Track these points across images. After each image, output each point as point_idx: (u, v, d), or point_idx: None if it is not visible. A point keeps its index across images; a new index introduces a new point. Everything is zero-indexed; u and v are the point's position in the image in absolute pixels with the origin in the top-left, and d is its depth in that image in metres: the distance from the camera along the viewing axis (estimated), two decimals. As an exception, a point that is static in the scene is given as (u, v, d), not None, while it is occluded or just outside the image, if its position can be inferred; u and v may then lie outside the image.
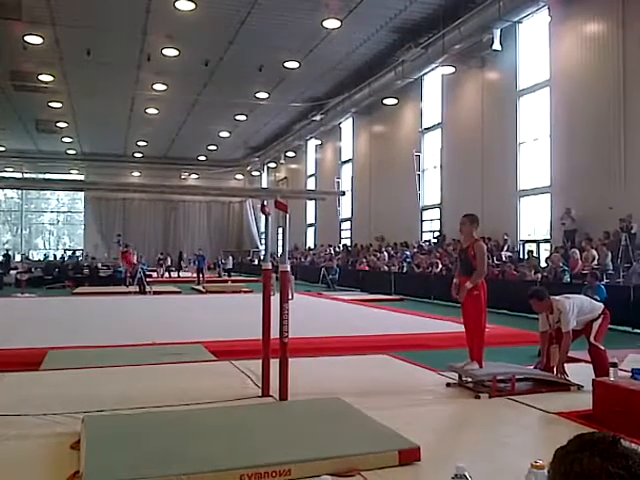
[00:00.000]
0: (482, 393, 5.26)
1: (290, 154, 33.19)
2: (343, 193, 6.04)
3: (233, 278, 26.69)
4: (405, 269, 18.87)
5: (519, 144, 16.66)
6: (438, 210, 20.50)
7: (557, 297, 5.73)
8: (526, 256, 15.59)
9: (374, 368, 6.58)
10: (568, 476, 1.32)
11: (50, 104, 24.72)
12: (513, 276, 14.00)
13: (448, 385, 5.69)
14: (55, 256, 36.44)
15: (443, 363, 6.73)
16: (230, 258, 31.74)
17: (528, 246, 16.41)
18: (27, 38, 17.44)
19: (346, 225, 28.08)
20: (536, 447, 4.10)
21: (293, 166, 35.00)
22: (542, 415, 4.68)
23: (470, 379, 5.58)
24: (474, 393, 5.32)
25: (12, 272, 24.39)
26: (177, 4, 15.25)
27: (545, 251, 15.77)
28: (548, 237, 15.74)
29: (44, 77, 21.14)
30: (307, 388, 5.19)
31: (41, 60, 19.40)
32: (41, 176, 36.82)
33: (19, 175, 36.39)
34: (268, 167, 38.29)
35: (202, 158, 37.02)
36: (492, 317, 11.86)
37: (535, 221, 16.66)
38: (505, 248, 16.13)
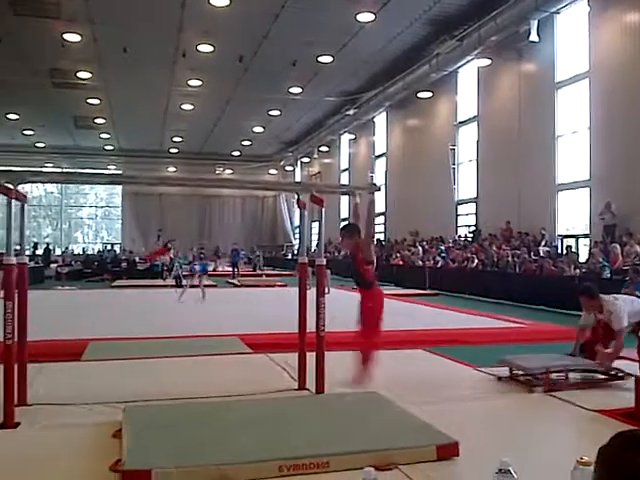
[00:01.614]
0: (535, 387, 5.22)
1: (323, 149, 33.17)
2: (378, 188, 5.97)
3: (267, 272, 26.84)
4: (440, 264, 18.73)
5: (557, 137, 16.34)
6: (474, 204, 20.26)
7: (605, 296, 5.65)
8: (564, 251, 15.31)
9: (410, 362, 6.57)
10: (616, 474, 1.30)
11: (88, 100, 25.17)
12: (551, 272, 13.76)
13: (499, 379, 5.63)
14: (94, 250, 37.21)
15: (479, 359, 6.68)
16: (258, 252, 31.92)
17: (566, 241, 16.11)
18: (66, 36, 17.78)
19: (380, 219, 27.97)
20: (577, 444, 4.04)
21: (326, 161, 34.98)
22: (582, 412, 4.60)
23: (522, 372, 5.51)
24: (526, 387, 5.28)
25: (53, 265, 25.00)
26: (212, 0, 15.36)
27: (584, 246, 15.46)
28: (587, 232, 15.43)
29: (82, 74, 21.53)
30: (343, 382, 5.20)
31: (79, 57, 19.75)
32: (79, 171, 37.67)
33: (59, 170, 37.26)
34: (301, 162, 38.33)
35: (236, 153, 37.28)
36: (530, 313, 11.74)
37: (574, 216, 16.33)
38: (543, 243, 15.87)
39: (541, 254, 15.26)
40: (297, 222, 38.44)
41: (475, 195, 20.05)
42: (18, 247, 4.96)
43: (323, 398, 4.84)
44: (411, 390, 5.24)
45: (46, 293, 14.77)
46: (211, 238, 38.98)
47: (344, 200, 30.91)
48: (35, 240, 35.07)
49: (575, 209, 16.07)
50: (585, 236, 15.58)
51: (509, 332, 8.87)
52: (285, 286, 18.81)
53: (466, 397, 5.14)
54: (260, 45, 18.79)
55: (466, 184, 20.73)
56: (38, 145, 34.73)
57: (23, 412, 4.32)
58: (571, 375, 5.49)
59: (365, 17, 16.60)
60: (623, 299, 5.72)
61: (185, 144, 34.61)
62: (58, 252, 35.13)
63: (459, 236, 20.67)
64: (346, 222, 5.57)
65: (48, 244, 34.85)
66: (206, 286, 14.76)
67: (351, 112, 25.80)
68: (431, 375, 5.96)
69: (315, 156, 33.98)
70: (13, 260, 4.34)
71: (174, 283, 18.83)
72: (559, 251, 15.65)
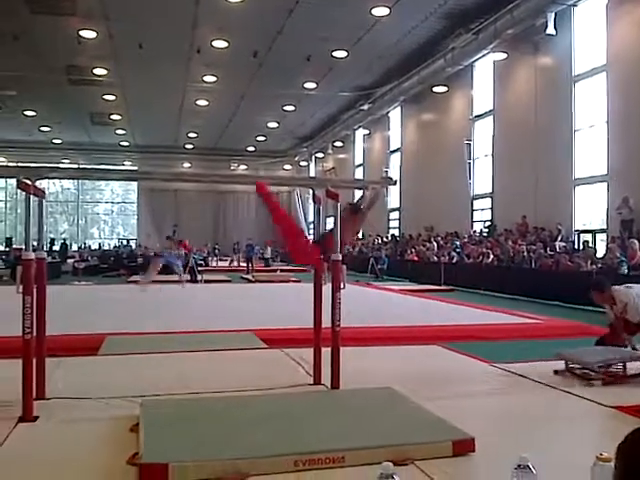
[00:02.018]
0: (593, 380, 5.22)
1: (338, 144, 33.13)
2: (395, 182, 5.97)
3: (281, 267, 26.88)
4: (455, 259, 18.65)
5: (574, 131, 16.18)
6: (489, 199, 20.14)
7: (617, 287, 5.57)
8: (581, 246, 15.17)
9: (425, 358, 6.55)
10: (634, 470, 1.30)
11: (104, 97, 25.35)
12: (568, 267, 13.65)
13: (556, 372, 5.59)
14: (110, 245, 37.52)
15: (495, 354, 6.66)
16: (268, 248, 31.89)
17: (583, 236, 15.97)
18: (82, 33, 17.91)
19: (394, 215, 27.91)
20: (595, 440, 4.01)
21: (341, 156, 34.93)
22: (599, 408, 4.56)
23: (579, 366, 5.48)
24: (583, 380, 5.28)
25: (69, 261, 25.22)
26: (227, -4, 15.39)
27: (601, 241, 15.31)
28: (604, 227, 15.28)
29: (98, 71, 21.69)
30: (358, 377, 5.20)
31: (95, 54, 19.89)
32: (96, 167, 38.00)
33: (75, 166, 37.58)
34: (316, 157, 38.34)
35: (251, 149, 37.36)
36: (546, 309, 11.66)
37: (591, 210, 16.17)
38: (559, 238, 15.74)
39: (557, 249, 15.14)
40: (311, 217, 38.47)
41: (491, 190, 19.93)
42: (36, 242, 5.01)
43: (338, 393, 4.84)
44: (426, 386, 5.22)
45: (63, 288, 14.91)
46: (226, 234, 39.23)
47: (359, 195, 30.92)
48: (52, 236, 35.42)
49: (592, 204, 15.91)
50: (602, 231, 15.42)
51: (525, 328, 8.81)
52: (299, 282, 18.82)
53: (482, 393, 5.12)
54: (274, 40, 18.79)
55: (482, 179, 20.61)
56: (55, 141, 35.05)
57: (41, 406, 4.37)
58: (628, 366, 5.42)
59: (380, 11, 16.53)
60: (636, 287, 5.62)
61: (200, 140, 34.74)
62: (75, 248, 35.46)
63: (474, 231, 20.56)
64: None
65: (65, 240, 35.21)
66: (218, 281, 14.80)
67: (365, 107, 25.74)
68: (446, 371, 5.94)
69: (329, 151, 33.98)
70: (32, 255, 4.38)
71: (189, 278, 18.96)
72: (576, 246, 15.52)
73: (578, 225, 16.30)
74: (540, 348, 7.02)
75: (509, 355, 6.69)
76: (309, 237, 5.52)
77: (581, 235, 16.08)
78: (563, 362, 5.65)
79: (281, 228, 5.39)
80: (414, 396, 4.44)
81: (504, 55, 17.97)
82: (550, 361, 5.95)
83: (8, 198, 39.60)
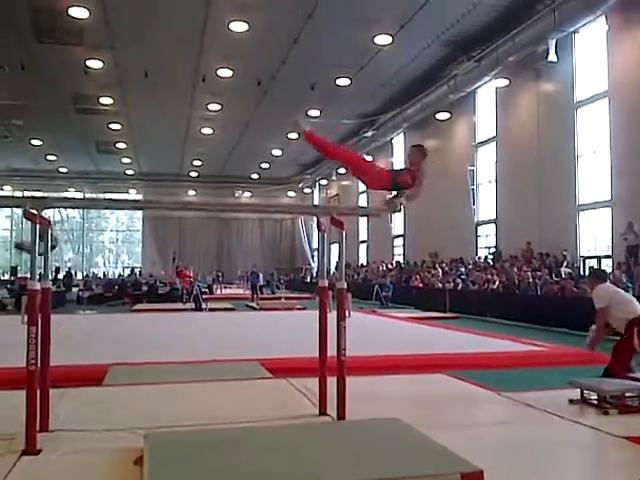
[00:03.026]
0: (609, 409, 5.17)
1: (341, 170, 33.19)
2: (400, 209, 5.93)
3: (286, 295, 26.81)
4: (460, 286, 18.56)
5: (577, 157, 16.23)
6: (494, 225, 20.12)
7: (602, 284, 6.36)
8: (587, 272, 15.10)
9: (431, 387, 6.47)
10: None
11: (110, 126, 25.61)
12: (574, 293, 13.57)
13: (571, 401, 5.53)
14: (114, 273, 37.55)
15: (501, 383, 6.58)
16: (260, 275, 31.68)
17: (589, 262, 15.90)
18: (88, 62, 18.17)
19: (399, 241, 27.89)
20: (608, 472, 3.93)
21: (345, 183, 35.05)
22: (613, 439, 4.48)
23: (596, 395, 5.43)
24: (599, 410, 5.23)
25: (74, 289, 25.22)
26: (231, 25, 15.61)
27: (607, 267, 15.23)
28: (609, 253, 15.22)
29: (104, 100, 21.94)
30: (364, 407, 5.13)
31: (101, 83, 20.14)
32: (101, 196, 38.25)
33: (80, 195, 37.87)
34: (320, 184, 38.49)
35: (255, 176, 37.56)
36: (551, 336, 11.55)
37: (596, 236, 16.13)
38: (564, 264, 15.68)
39: (563, 275, 15.08)
40: (316, 244, 38.50)
41: (495, 216, 19.92)
42: (41, 272, 5.00)
43: (344, 424, 4.77)
44: (433, 415, 5.16)
45: (67, 317, 14.87)
46: (230, 261, 39.27)
47: (362, 222, 30.93)
48: (57, 264, 35.46)
49: (597, 230, 15.88)
50: (608, 257, 15.36)
51: (532, 355, 8.73)
52: (304, 309, 18.77)
53: (490, 423, 5.04)
54: (279, 69, 19.02)
55: (486, 205, 20.63)
56: (61, 170, 35.36)
57: (45, 438, 4.32)
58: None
59: (383, 40, 16.74)
60: (615, 288, 6.51)
61: (205, 167, 34.97)
62: (79, 276, 35.51)
63: (479, 257, 20.50)
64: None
65: (70, 268, 35.25)
66: (222, 309, 14.76)
67: (369, 134, 25.92)
68: (453, 400, 5.86)
69: (333, 178, 34.10)
70: (37, 286, 4.37)
71: (194, 306, 18.92)
72: (581, 272, 15.44)
73: (583, 251, 16.25)
74: (548, 376, 6.95)
75: (517, 383, 6.61)
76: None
77: (586, 261, 16.02)
78: (577, 390, 5.59)
79: (343, 160, 5.61)
80: (421, 426, 4.37)
81: (506, 82, 18.12)
82: (559, 390, 5.88)
83: (13, 227, 39.78)
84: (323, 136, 5.82)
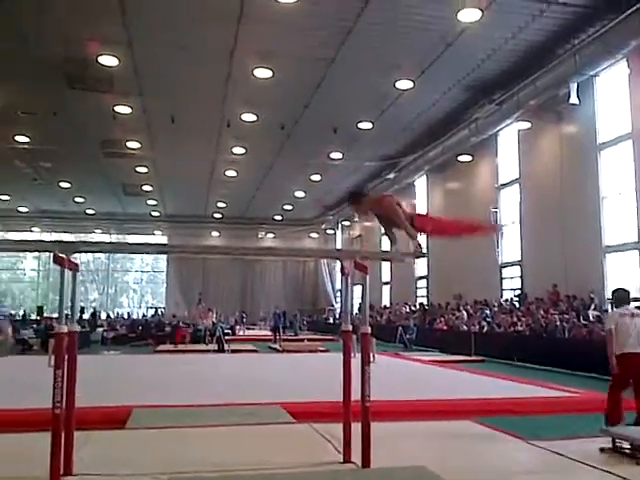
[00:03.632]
0: None
1: (363, 212, 33.37)
2: (423, 255, 5.93)
3: (309, 336, 26.66)
4: (485, 329, 18.30)
5: (602, 199, 16.11)
6: (518, 267, 19.92)
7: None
8: (615, 315, 14.78)
9: (458, 435, 6.34)
10: None
11: (137, 169, 26.14)
12: (602, 337, 13.27)
13: (602, 450, 5.37)
14: (138, 314, 37.79)
15: (530, 430, 6.42)
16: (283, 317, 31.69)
17: (616, 305, 15.58)
18: (117, 108, 18.67)
19: (422, 283, 27.71)
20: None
21: (367, 224, 35.13)
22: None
23: (629, 444, 5.26)
24: (633, 460, 5.06)
25: (99, 330, 25.40)
26: (255, 72, 15.98)
27: (637, 310, 14.93)
28: (638, 295, 14.92)
29: (131, 144, 22.46)
30: (389, 454, 5.05)
31: (129, 128, 20.64)
32: (127, 237, 38.89)
33: (107, 236, 38.53)
34: (342, 225, 38.63)
35: (278, 217, 37.87)
36: (580, 380, 11.29)
37: (623, 278, 15.85)
38: (592, 307, 15.40)
39: (591, 318, 14.80)
40: (338, 285, 38.41)
41: (519, 258, 19.74)
42: (68, 314, 5.07)
43: (370, 472, 4.69)
44: (459, 464, 5.04)
45: (92, 358, 14.94)
46: (253, 302, 39.33)
47: (385, 263, 30.83)
48: (82, 304, 35.84)
49: (625, 271, 15.62)
50: (636, 299, 15.03)
51: (562, 402, 8.52)
52: (327, 351, 18.63)
53: (519, 473, 4.91)
54: (302, 113, 19.34)
55: (510, 246, 20.47)
56: (88, 211, 35.99)
57: (68, 483, 4.32)
58: None
59: (404, 84, 16.98)
60: (622, 313, 6.50)
61: (228, 209, 35.38)
62: (104, 316, 35.80)
63: (504, 300, 20.25)
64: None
65: (95, 308, 35.60)
66: (244, 351, 14.71)
67: (391, 176, 26.06)
68: (480, 448, 5.73)
69: (356, 219, 34.20)
70: (65, 329, 4.43)
71: (216, 347, 18.91)
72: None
73: (611, 293, 15.94)
74: (579, 423, 6.77)
75: (546, 431, 6.44)
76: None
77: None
78: (609, 439, 5.43)
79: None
80: (447, 475, 4.29)
81: (528, 124, 18.18)
82: (590, 438, 5.73)
83: (41, 267, 40.41)
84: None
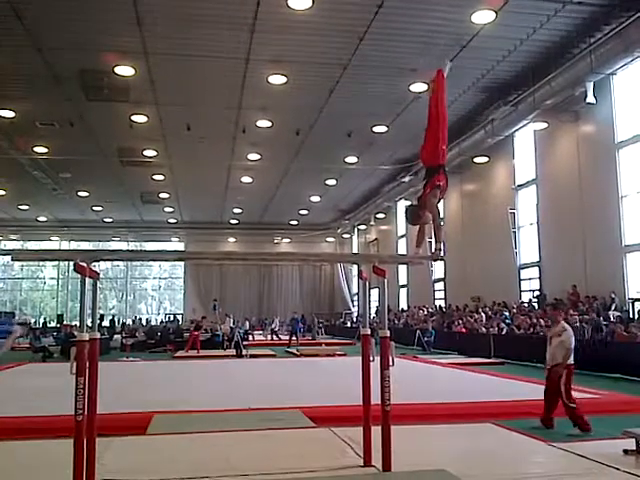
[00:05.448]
0: None
1: (380, 215, 33.32)
2: (441, 258, 5.92)
3: (326, 341, 26.64)
4: (504, 331, 18.16)
5: (621, 197, 15.93)
6: (537, 268, 19.76)
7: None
8: (636, 315, 14.63)
9: (478, 437, 6.30)
10: None
11: (154, 177, 26.35)
12: (623, 337, 13.14)
13: (626, 452, 5.31)
14: (157, 320, 38.02)
15: (550, 432, 6.37)
16: (277, 319, 31.79)
17: (638, 305, 15.40)
18: (133, 117, 18.85)
19: (439, 285, 27.58)
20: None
21: (383, 227, 35.08)
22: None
23: None
24: None
25: (117, 336, 25.58)
26: (270, 79, 16.05)
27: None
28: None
29: (148, 152, 22.64)
30: (410, 458, 5.03)
31: (145, 137, 20.82)
32: (144, 244, 39.20)
33: (125, 244, 38.88)
34: (358, 229, 38.60)
35: (294, 222, 37.94)
36: (603, 382, 11.16)
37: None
38: (613, 307, 15.23)
39: (611, 319, 14.63)
40: (355, 289, 38.36)
41: (538, 259, 19.58)
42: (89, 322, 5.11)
43: (390, 476, 4.68)
44: (480, 467, 5.00)
45: (111, 365, 15.07)
46: (270, 307, 39.43)
47: (402, 266, 30.72)
48: (101, 312, 36.16)
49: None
50: (636, 300, 14.88)
51: (583, 403, 8.40)
52: (345, 355, 18.60)
53: (540, 475, 4.87)
54: (316, 119, 19.38)
55: (528, 248, 20.31)
56: (106, 220, 36.34)
57: (91, 489, 4.35)
58: None
59: (418, 87, 16.92)
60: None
61: (244, 215, 35.52)
62: (125, 322, 36.05)
63: (523, 301, 20.09)
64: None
65: (114, 315, 35.89)
66: (263, 355, 14.74)
67: (407, 179, 26.00)
68: (501, 451, 5.69)
69: (372, 223, 34.16)
70: (86, 337, 4.48)
71: (234, 353, 18.96)
72: (630, 315, 14.96)
73: (632, 293, 15.77)
74: (601, 425, 6.70)
75: (566, 433, 6.38)
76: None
77: (636, 304, 15.52)
78: (632, 440, 5.35)
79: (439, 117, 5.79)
80: (467, 479, 4.26)
81: (544, 125, 18.05)
82: (613, 439, 5.67)
83: (60, 275, 40.85)
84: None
